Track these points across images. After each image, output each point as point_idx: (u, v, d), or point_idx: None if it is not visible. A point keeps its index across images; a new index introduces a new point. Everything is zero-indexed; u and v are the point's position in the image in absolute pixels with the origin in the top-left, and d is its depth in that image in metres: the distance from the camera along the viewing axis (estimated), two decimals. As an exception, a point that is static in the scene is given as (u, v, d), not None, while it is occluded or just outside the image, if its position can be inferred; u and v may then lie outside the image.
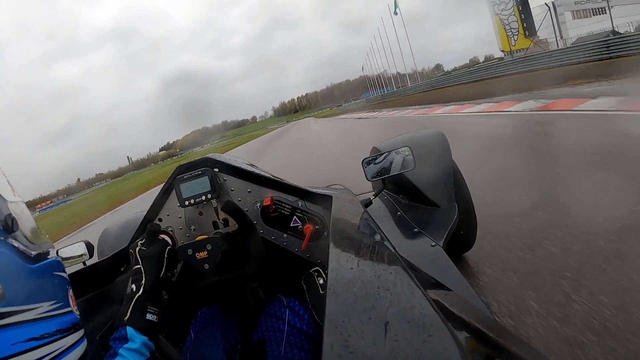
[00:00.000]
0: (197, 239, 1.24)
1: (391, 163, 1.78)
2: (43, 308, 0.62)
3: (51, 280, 0.69)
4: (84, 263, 1.61)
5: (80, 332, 0.71)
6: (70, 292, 0.79)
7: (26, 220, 0.72)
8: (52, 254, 0.77)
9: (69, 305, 0.71)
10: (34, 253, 0.67)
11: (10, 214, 0.64)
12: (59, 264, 0.74)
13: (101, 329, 1.20)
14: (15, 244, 0.62)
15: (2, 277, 0.56)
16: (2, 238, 0.60)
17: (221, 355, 1.03)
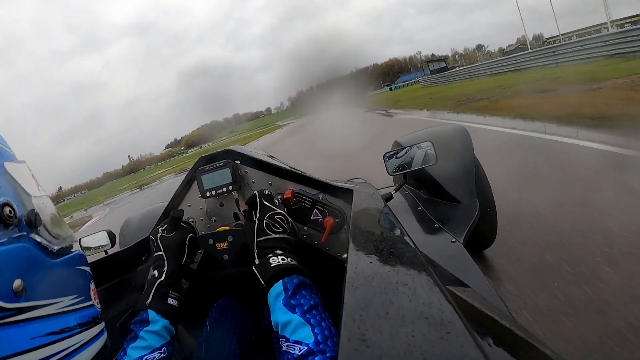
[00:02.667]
0: (218, 230, 1.26)
1: (413, 158, 1.76)
2: (64, 302, 0.63)
3: (73, 274, 0.70)
4: (105, 252, 1.66)
5: (101, 326, 0.73)
6: (92, 286, 0.80)
7: (50, 215, 0.72)
8: (76, 248, 0.78)
9: (90, 299, 0.73)
10: (56, 248, 0.67)
11: (34, 210, 0.64)
12: (81, 258, 0.75)
13: (121, 316, 1.23)
14: (38, 238, 0.63)
15: (24, 272, 0.56)
16: (25, 233, 0.60)
17: (235, 345, 1.04)
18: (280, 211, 1.04)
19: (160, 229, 1.15)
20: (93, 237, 1.72)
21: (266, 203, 1.05)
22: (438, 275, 0.60)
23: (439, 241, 1.57)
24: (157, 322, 0.92)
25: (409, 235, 0.88)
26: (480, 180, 2.25)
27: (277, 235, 0.98)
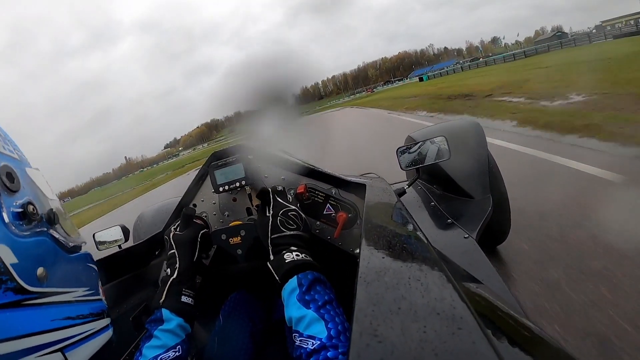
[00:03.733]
0: (230, 224, 1.28)
1: (426, 153, 1.76)
2: (78, 293, 0.69)
3: (85, 269, 0.76)
4: (119, 246, 1.68)
5: (107, 320, 0.77)
6: (99, 283, 0.85)
7: (62, 217, 0.78)
8: (84, 249, 0.83)
9: (99, 294, 0.78)
10: (71, 244, 0.73)
11: (52, 209, 0.71)
12: (90, 257, 0.80)
13: (135, 310, 1.25)
14: (56, 234, 0.69)
15: (46, 262, 0.63)
16: (45, 229, 0.66)
17: (247, 338, 1.05)
18: (293, 207, 1.05)
19: (172, 227, 1.17)
20: (107, 232, 1.74)
21: (279, 199, 1.06)
22: (450, 271, 0.60)
23: (451, 237, 1.56)
24: (172, 321, 0.93)
25: (421, 231, 0.88)
26: (493, 176, 2.23)
27: (291, 233, 0.99)
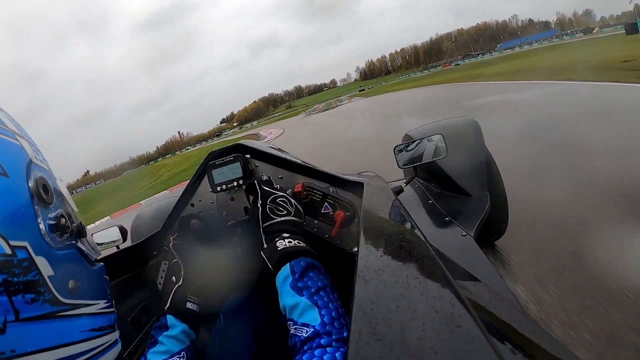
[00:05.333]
0: (228, 224, 1.27)
1: (423, 151, 1.76)
2: (100, 305, 0.70)
3: (103, 282, 0.77)
4: (117, 247, 1.69)
5: (118, 333, 0.78)
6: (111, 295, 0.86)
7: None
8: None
9: (113, 307, 0.78)
10: (94, 257, 0.75)
11: (81, 222, 0.72)
12: (105, 269, 0.80)
13: (133, 310, 1.25)
14: (83, 247, 0.70)
15: (76, 274, 0.64)
16: (74, 242, 0.67)
17: (250, 339, 1.05)
18: (281, 194, 1.05)
19: (171, 238, 1.18)
20: (105, 232, 1.75)
21: (266, 188, 1.06)
22: (449, 269, 0.60)
23: (449, 235, 1.56)
24: (176, 327, 0.94)
25: (419, 229, 0.88)
26: (492, 173, 2.24)
27: (282, 219, 0.99)
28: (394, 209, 1.08)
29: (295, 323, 0.74)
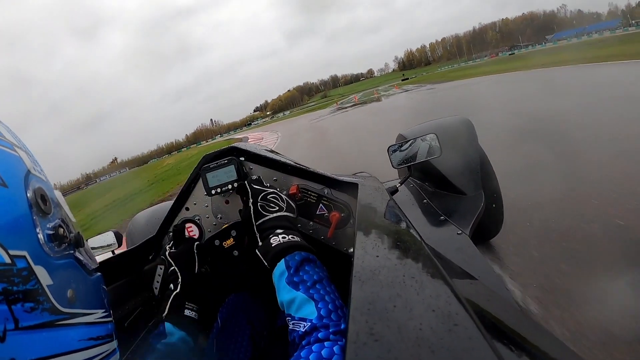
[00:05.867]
0: (222, 227, 1.27)
1: (417, 150, 1.76)
2: (98, 314, 0.70)
3: (101, 291, 0.77)
4: (112, 252, 1.68)
5: (116, 342, 0.77)
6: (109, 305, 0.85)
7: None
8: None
9: (111, 316, 0.78)
10: (92, 267, 0.75)
11: (79, 232, 0.72)
12: (102, 279, 0.80)
13: (129, 316, 1.24)
14: (81, 257, 0.70)
15: (73, 283, 0.64)
16: (72, 251, 0.67)
17: (247, 342, 1.05)
18: (271, 190, 1.05)
19: (167, 246, 1.17)
20: (100, 238, 1.74)
21: (256, 186, 1.06)
22: (445, 268, 0.60)
23: (445, 233, 1.57)
24: (174, 335, 0.93)
25: (414, 228, 0.88)
26: (486, 172, 2.25)
27: (275, 215, 0.99)
28: (389, 209, 1.08)
29: (293, 318, 0.74)
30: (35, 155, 0.74)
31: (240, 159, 1.30)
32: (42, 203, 0.62)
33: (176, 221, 1.38)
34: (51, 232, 0.62)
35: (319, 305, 0.72)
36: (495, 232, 2.55)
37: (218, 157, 1.31)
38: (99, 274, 0.78)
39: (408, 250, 0.71)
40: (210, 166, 1.29)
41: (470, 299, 0.60)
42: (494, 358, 0.37)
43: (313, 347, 0.64)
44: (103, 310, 0.72)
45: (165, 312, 0.97)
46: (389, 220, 0.99)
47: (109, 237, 1.74)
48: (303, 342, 0.68)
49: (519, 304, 1.01)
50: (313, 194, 1.28)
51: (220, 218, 1.36)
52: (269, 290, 0.87)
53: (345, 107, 38.64)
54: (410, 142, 1.80)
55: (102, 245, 1.73)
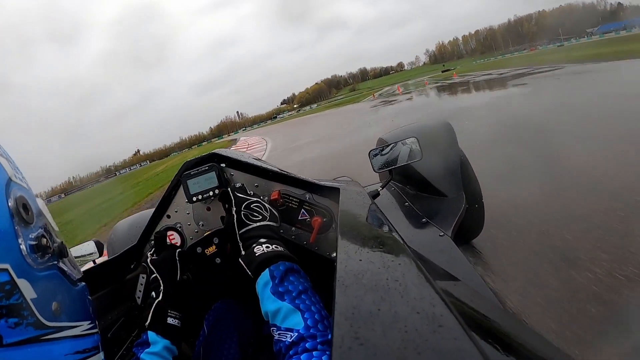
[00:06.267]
0: (204, 235, 1.25)
1: (398, 154, 1.78)
2: (84, 326, 0.68)
3: (86, 302, 0.74)
4: (93, 261, 1.64)
5: (102, 354, 0.75)
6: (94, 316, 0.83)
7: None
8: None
9: (97, 327, 0.76)
10: (76, 277, 0.72)
11: (62, 242, 0.70)
12: (87, 289, 0.78)
13: (112, 326, 1.22)
14: (65, 268, 0.68)
15: (58, 295, 0.62)
16: (56, 262, 0.65)
17: (235, 349, 1.04)
18: (255, 199, 1.04)
19: (148, 253, 1.15)
20: (80, 247, 1.71)
21: (239, 194, 1.06)
22: (428, 270, 0.60)
23: (427, 235, 1.58)
24: (158, 343, 0.91)
25: (397, 231, 0.88)
26: (466, 174, 2.28)
27: (258, 224, 0.98)
28: (370, 212, 1.08)
29: (278, 329, 0.73)
30: (17, 162, 0.72)
31: (222, 165, 1.29)
32: (24, 212, 0.59)
33: (158, 229, 1.36)
34: (34, 242, 0.59)
35: (305, 316, 0.72)
36: (477, 233, 2.58)
37: (199, 163, 1.30)
38: (84, 284, 0.76)
39: (391, 254, 0.71)
40: (191, 173, 1.27)
41: (454, 300, 0.60)
42: (480, 357, 0.37)
43: (301, 357, 0.64)
44: (89, 322, 0.70)
45: (148, 321, 0.95)
46: (371, 224, 0.99)
47: (89, 247, 1.71)
48: (290, 352, 0.67)
49: (502, 304, 1.03)
50: (295, 200, 1.27)
51: (202, 225, 1.35)
52: (255, 297, 0.86)
53: (390, 101, 28.04)
54: (391, 146, 1.81)
55: (82, 255, 1.70)
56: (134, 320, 1.28)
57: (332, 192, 1.25)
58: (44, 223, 0.67)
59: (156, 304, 0.98)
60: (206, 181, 1.26)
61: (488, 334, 0.55)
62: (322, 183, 1.28)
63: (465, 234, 2.52)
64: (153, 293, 1.02)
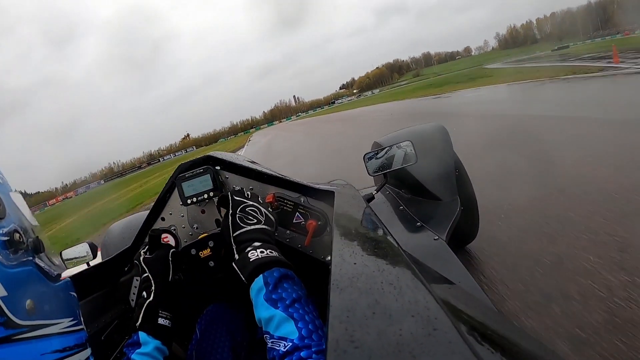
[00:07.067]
0: (199, 237, 1.25)
1: (393, 158, 1.78)
2: (64, 324, 0.66)
3: (68, 299, 0.72)
4: (87, 264, 1.63)
5: (89, 351, 0.74)
6: (80, 311, 0.82)
7: (45, 244, 0.76)
8: (64, 275, 0.81)
9: (82, 324, 0.75)
10: (55, 273, 0.71)
11: (38, 237, 0.68)
12: (70, 285, 0.77)
13: (107, 329, 1.21)
14: (41, 263, 0.66)
15: (33, 293, 0.60)
16: (31, 258, 0.64)
17: (227, 352, 1.03)
18: (251, 202, 1.03)
19: (141, 251, 1.15)
20: (74, 249, 1.71)
21: (237, 198, 1.05)
22: (422, 274, 0.60)
23: (422, 239, 1.58)
24: (149, 344, 0.91)
25: (391, 235, 0.88)
26: (461, 178, 2.29)
27: (253, 227, 0.97)
28: (365, 216, 1.08)
29: (271, 336, 0.73)
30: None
31: (216, 168, 1.29)
32: None
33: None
34: (5, 238, 0.58)
35: (299, 325, 0.71)
36: (472, 238, 2.59)
37: (193, 166, 1.30)
38: (67, 280, 0.74)
39: (385, 257, 0.71)
40: (186, 175, 1.27)
41: (449, 304, 0.60)
42: None
43: None
44: (71, 319, 0.68)
45: (139, 321, 0.95)
46: (366, 228, 0.99)
47: (83, 249, 1.71)
48: None
49: (496, 307, 1.03)
50: (289, 203, 1.27)
51: (197, 228, 1.34)
52: (248, 300, 0.85)
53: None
54: (386, 149, 1.81)
55: (76, 257, 1.69)
56: (128, 323, 1.28)
57: (326, 195, 1.25)
58: (19, 217, 0.65)
59: (147, 304, 0.98)
60: (201, 184, 1.26)
61: (483, 337, 0.55)
62: (317, 186, 1.28)
63: (460, 238, 2.53)
64: (144, 293, 1.02)
